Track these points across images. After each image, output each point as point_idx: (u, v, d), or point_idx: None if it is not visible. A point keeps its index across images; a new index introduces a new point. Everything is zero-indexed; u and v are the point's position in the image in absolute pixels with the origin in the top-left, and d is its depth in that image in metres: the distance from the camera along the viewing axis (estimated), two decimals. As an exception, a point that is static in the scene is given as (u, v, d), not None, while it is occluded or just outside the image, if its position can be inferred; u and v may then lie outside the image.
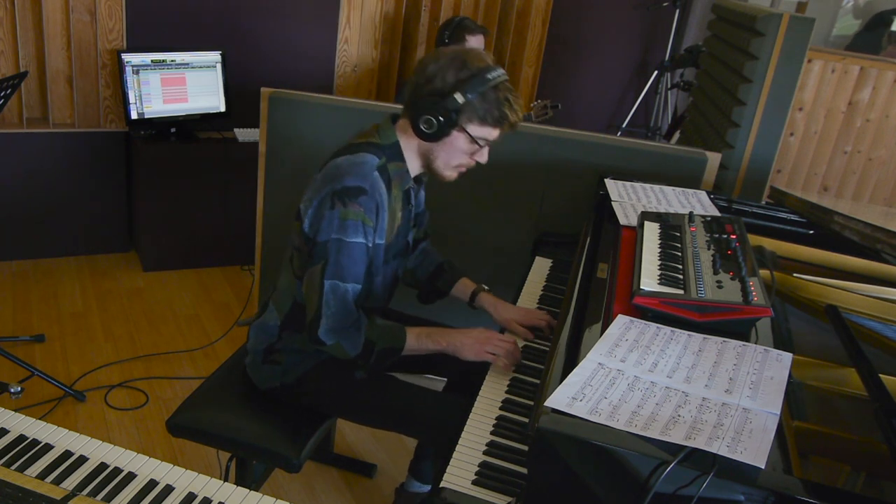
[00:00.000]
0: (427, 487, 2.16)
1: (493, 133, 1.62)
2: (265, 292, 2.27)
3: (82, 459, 1.21)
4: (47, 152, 3.34)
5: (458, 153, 1.63)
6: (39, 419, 1.29)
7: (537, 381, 1.59)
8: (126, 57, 3.22)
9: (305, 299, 1.63)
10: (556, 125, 2.70)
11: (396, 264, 1.81)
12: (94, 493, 1.15)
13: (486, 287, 1.95)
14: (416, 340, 1.67)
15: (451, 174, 1.69)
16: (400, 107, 1.74)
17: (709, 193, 2.02)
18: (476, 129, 1.59)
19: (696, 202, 1.95)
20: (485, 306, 1.92)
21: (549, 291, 2.00)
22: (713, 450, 0.97)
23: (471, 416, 1.47)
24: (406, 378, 1.81)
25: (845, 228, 1.88)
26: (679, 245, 1.55)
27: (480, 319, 1.93)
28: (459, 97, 1.54)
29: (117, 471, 1.20)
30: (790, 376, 1.16)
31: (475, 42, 3.37)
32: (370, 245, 1.61)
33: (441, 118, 1.56)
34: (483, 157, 1.67)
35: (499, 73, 1.58)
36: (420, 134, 1.60)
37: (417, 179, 1.79)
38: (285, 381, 1.76)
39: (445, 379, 2.00)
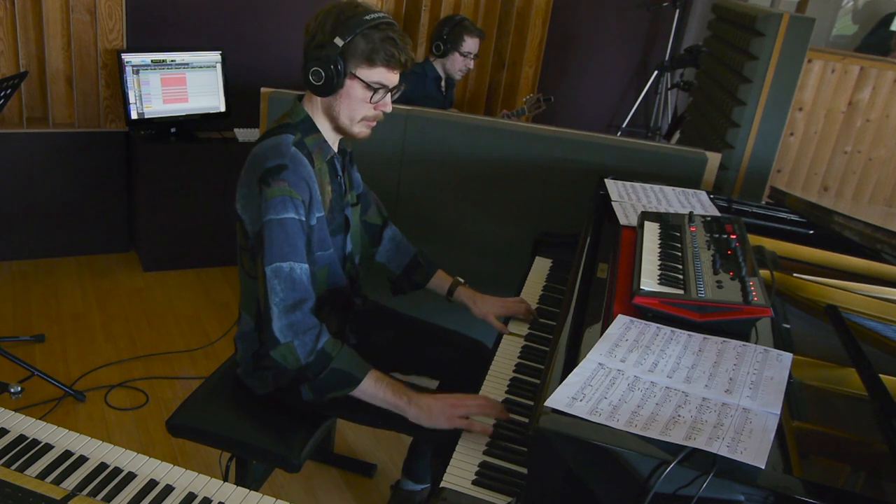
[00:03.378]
0: (420, 486, 2.16)
1: (387, 75, 1.60)
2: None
3: (82, 459, 1.21)
4: (47, 152, 3.34)
5: (358, 103, 1.62)
6: (39, 419, 1.29)
7: (537, 381, 1.59)
8: (126, 57, 3.22)
9: (260, 299, 1.58)
10: (557, 125, 2.70)
11: (339, 241, 1.77)
12: (94, 493, 1.15)
13: (462, 280, 1.96)
14: (376, 384, 1.54)
15: (360, 130, 1.67)
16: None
17: (709, 193, 2.02)
18: (367, 73, 1.59)
19: (696, 202, 1.95)
20: (463, 300, 1.92)
21: (549, 291, 2.00)
22: (713, 450, 0.97)
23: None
24: (403, 378, 1.80)
25: (845, 228, 1.88)
26: (679, 245, 1.55)
27: (461, 314, 1.95)
28: (339, 41, 1.54)
29: (117, 471, 1.20)
30: (790, 376, 1.16)
31: (472, 43, 3.38)
32: (303, 219, 1.57)
33: (327, 66, 1.55)
34: (387, 105, 1.65)
35: (379, 14, 1.58)
36: (314, 89, 1.60)
37: (342, 151, 1.78)
38: (280, 385, 1.75)
39: (438, 381, 1.99)
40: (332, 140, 1.72)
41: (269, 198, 1.53)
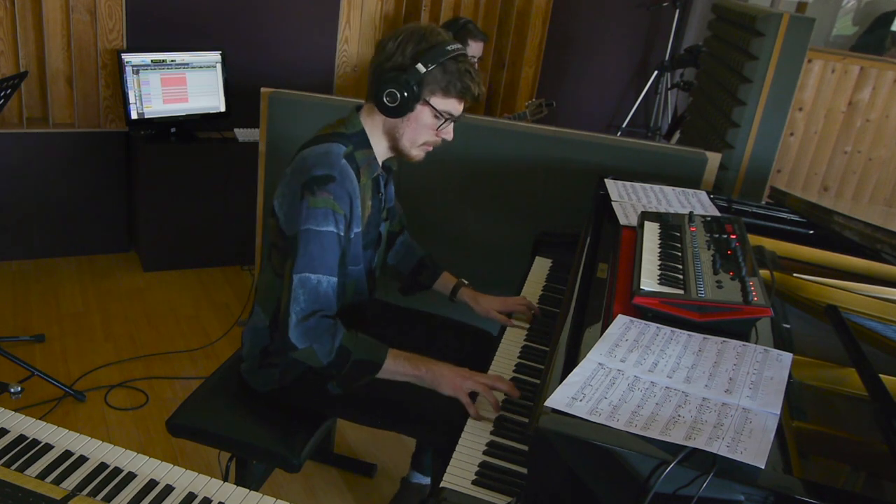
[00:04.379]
0: (428, 479, 2.17)
1: (457, 106, 1.62)
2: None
3: (82, 459, 1.21)
4: (47, 152, 3.34)
5: (424, 129, 1.63)
6: (39, 419, 1.29)
7: (537, 381, 1.59)
8: (126, 57, 3.22)
9: (282, 300, 1.60)
10: (557, 125, 2.70)
11: (369, 255, 1.79)
12: (94, 493, 1.15)
13: (465, 282, 1.99)
14: (395, 362, 1.61)
15: (417, 153, 1.69)
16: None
17: (709, 193, 2.02)
18: (440, 102, 1.60)
19: (696, 202, 1.95)
20: (465, 300, 1.96)
21: (549, 291, 2.00)
22: (713, 450, 0.97)
23: (471, 416, 1.47)
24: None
25: (845, 228, 1.88)
26: (679, 245, 1.55)
27: (462, 313, 1.98)
28: (421, 68, 1.55)
29: (117, 471, 1.20)
30: (790, 376, 1.16)
31: (476, 48, 3.38)
32: (342, 234, 1.59)
33: (404, 91, 1.56)
34: (448, 133, 1.67)
35: (458, 46, 1.59)
36: (384, 109, 1.60)
37: (386, 168, 1.78)
38: (284, 383, 1.76)
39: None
40: (382, 157, 1.72)
41: (311, 206, 1.54)
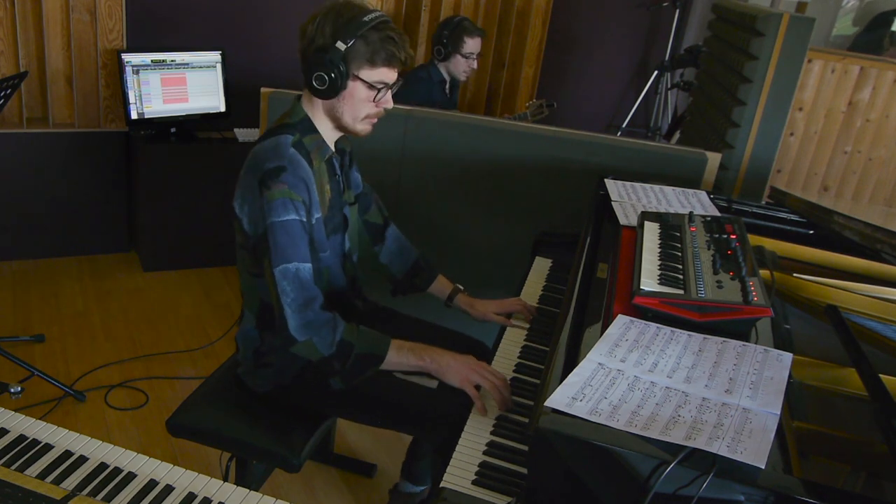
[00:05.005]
0: (420, 488, 2.16)
1: (388, 74, 1.62)
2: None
3: (82, 459, 1.21)
4: (47, 152, 3.34)
5: (361, 103, 1.64)
6: (39, 419, 1.29)
7: (537, 381, 1.59)
8: (126, 57, 3.22)
9: (271, 300, 1.60)
10: (556, 125, 2.70)
11: (338, 240, 1.78)
12: (94, 493, 1.15)
13: (461, 287, 1.98)
14: (398, 353, 1.61)
15: (362, 127, 1.69)
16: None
17: (709, 193, 2.02)
18: (369, 74, 1.60)
19: (696, 202, 1.95)
20: (462, 307, 1.95)
21: (549, 291, 2.00)
22: (713, 450, 0.97)
23: (471, 415, 1.47)
24: (404, 378, 1.80)
25: (845, 228, 1.88)
26: (679, 245, 1.55)
27: (458, 319, 1.97)
28: (341, 45, 1.56)
29: (117, 471, 1.20)
30: (790, 376, 1.16)
31: (473, 44, 3.38)
32: (304, 220, 1.59)
33: (331, 71, 1.57)
34: (388, 102, 1.67)
35: (376, 14, 1.59)
36: (317, 93, 1.61)
37: (341, 151, 1.79)
38: (282, 382, 1.76)
39: (437, 380, 2.00)
40: (331, 139, 1.73)
41: (269, 200, 1.54)
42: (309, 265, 1.58)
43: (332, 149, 1.73)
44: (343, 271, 1.81)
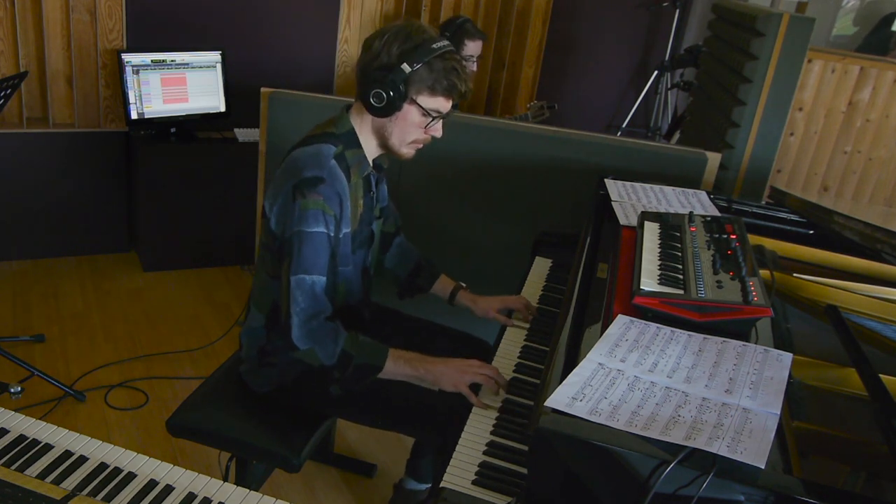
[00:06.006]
0: (424, 486, 2.17)
1: (444, 104, 1.62)
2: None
3: (82, 459, 1.22)
4: (47, 152, 3.33)
5: (412, 127, 1.64)
6: (39, 419, 1.29)
7: (537, 381, 1.59)
8: (126, 57, 3.22)
9: (280, 301, 1.62)
10: (556, 125, 2.70)
11: (363, 255, 1.79)
12: (94, 493, 1.15)
13: (463, 285, 1.99)
14: (395, 363, 1.63)
15: (407, 151, 1.69)
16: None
17: (709, 193, 2.02)
18: (427, 101, 1.60)
19: (696, 202, 1.95)
20: (464, 303, 1.96)
21: (549, 291, 2.00)
22: (713, 450, 0.97)
23: (471, 415, 1.47)
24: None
25: (845, 228, 1.88)
26: (679, 245, 1.55)
27: (460, 320, 1.97)
28: (406, 67, 1.55)
29: (117, 471, 1.20)
30: (790, 376, 1.16)
31: (474, 47, 3.37)
32: (332, 234, 1.59)
33: (390, 91, 1.56)
34: (438, 131, 1.67)
35: (444, 44, 1.59)
36: (372, 109, 1.60)
37: (377, 167, 1.79)
38: (283, 382, 1.76)
39: None
40: (371, 155, 1.72)
41: (303, 209, 1.55)
42: (325, 279, 1.59)
43: (371, 165, 1.73)
44: (361, 285, 1.82)
